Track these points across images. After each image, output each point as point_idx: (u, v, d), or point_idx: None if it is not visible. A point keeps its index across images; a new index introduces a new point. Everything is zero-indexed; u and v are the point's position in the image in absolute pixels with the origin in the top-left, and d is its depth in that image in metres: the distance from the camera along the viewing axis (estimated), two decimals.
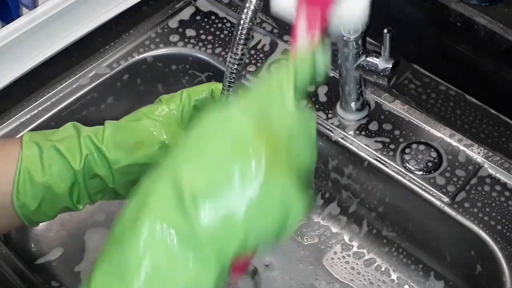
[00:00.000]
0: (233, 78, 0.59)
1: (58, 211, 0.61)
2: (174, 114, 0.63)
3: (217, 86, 0.64)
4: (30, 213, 0.59)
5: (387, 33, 0.68)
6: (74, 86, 0.86)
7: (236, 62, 0.59)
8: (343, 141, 0.79)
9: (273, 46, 0.88)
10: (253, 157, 0.43)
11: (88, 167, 0.59)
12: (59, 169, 0.58)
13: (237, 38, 0.58)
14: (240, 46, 0.58)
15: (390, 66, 0.71)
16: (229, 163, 0.43)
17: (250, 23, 0.57)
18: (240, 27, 0.58)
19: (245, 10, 0.57)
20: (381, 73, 0.72)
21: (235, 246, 0.43)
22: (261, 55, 0.87)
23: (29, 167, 0.58)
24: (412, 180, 0.75)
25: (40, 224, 0.85)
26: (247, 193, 0.43)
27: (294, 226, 0.45)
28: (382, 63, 0.72)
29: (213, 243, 0.42)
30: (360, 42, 0.72)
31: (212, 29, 0.91)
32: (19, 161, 0.58)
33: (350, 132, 0.79)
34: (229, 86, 0.60)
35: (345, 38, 0.71)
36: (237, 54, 0.58)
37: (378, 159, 0.77)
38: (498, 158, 0.75)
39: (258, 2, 0.57)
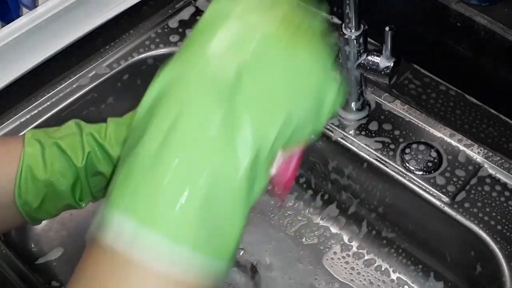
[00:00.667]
0: None
1: (61, 209, 0.61)
2: None
3: None
4: (33, 210, 0.59)
5: (388, 31, 0.68)
6: (74, 86, 0.86)
7: None
8: (343, 141, 0.79)
9: None
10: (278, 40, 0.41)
11: (91, 164, 0.59)
12: (61, 166, 0.58)
13: None
14: None
15: (391, 64, 0.71)
16: (255, 37, 0.41)
17: None
18: None
19: None
20: (382, 72, 0.72)
21: (276, 129, 0.41)
22: None
23: (31, 165, 0.58)
24: (412, 180, 0.75)
25: (40, 224, 0.86)
26: (282, 66, 0.41)
27: (332, 108, 0.43)
28: (383, 61, 0.72)
29: (253, 121, 0.40)
30: (361, 40, 0.72)
31: None
32: (21, 158, 0.58)
33: (350, 132, 0.79)
34: None
35: (346, 37, 0.71)
36: None
37: (378, 159, 0.77)
38: (498, 158, 0.75)
39: None
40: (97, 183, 0.60)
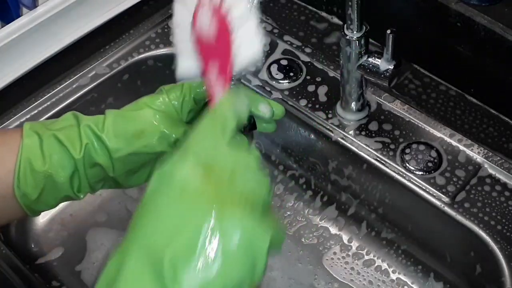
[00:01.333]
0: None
1: (59, 200, 0.61)
2: (174, 104, 0.63)
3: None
4: (31, 202, 0.59)
5: (390, 33, 0.68)
6: (74, 86, 0.86)
7: None
8: (343, 141, 0.79)
9: (273, 46, 0.88)
10: (206, 212, 0.45)
11: (89, 156, 0.59)
12: (60, 158, 0.59)
13: None
14: None
15: (392, 67, 0.71)
16: (188, 225, 0.45)
17: None
18: None
19: None
20: (383, 74, 0.72)
21: None
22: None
23: (29, 157, 0.58)
24: (412, 180, 0.75)
25: (40, 224, 0.86)
26: (212, 249, 0.44)
27: (267, 257, 0.46)
28: (384, 63, 0.71)
29: None
30: (362, 42, 0.72)
31: None
32: (20, 150, 0.58)
33: (350, 132, 0.79)
34: None
35: (348, 38, 0.71)
36: None
37: (378, 159, 0.77)
38: (498, 158, 0.75)
39: None
40: (95, 174, 0.61)
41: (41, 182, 0.58)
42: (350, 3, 0.68)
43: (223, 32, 0.55)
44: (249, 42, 0.55)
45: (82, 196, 0.62)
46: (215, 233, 0.44)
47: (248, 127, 0.63)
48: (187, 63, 0.59)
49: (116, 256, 0.46)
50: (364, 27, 0.71)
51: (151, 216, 0.46)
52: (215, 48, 0.56)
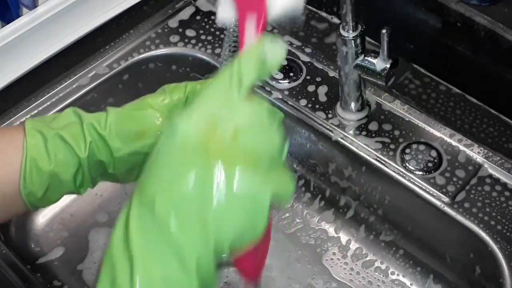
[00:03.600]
0: None
1: (62, 195, 0.62)
2: (177, 105, 0.63)
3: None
4: (36, 200, 0.59)
5: (385, 32, 0.68)
6: (74, 86, 0.86)
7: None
8: (343, 141, 0.79)
9: None
10: (204, 164, 0.46)
11: (92, 153, 0.60)
12: (65, 157, 0.59)
13: (229, 35, 0.57)
14: (232, 43, 0.58)
15: (388, 66, 0.71)
16: (184, 175, 0.46)
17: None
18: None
19: None
20: (379, 73, 0.72)
21: (210, 249, 0.45)
22: None
23: (35, 157, 0.58)
24: (412, 180, 0.75)
25: (40, 224, 0.86)
26: (207, 198, 0.45)
27: (268, 211, 0.47)
28: (380, 63, 0.72)
29: (190, 250, 0.45)
30: (358, 41, 0.72)
31: (212, 29, 0.91)
32: (24, 150, 0.58)
33: (350, 132, 0.79)
34: None
35: (343, 37, 0.71)
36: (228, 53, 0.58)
37: (378, 159, 0.77)
38: (498, 158, 0.75)
39: None
40: (97, 170, 0.61)
41: (47, 181, 0.59)
42: (344, 3, 0.68)
43: None
44: None
45: (83, 191, 0.62)
46: (211, 183, 0.45)
47: None
48: (226, 10, 0.57)
49: (124, 208, 0.48)
50: (360, 27, 0.71)
51: (152, 166, 0.48)
52: None
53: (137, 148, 0.61)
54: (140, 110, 0.62)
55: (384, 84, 0.72)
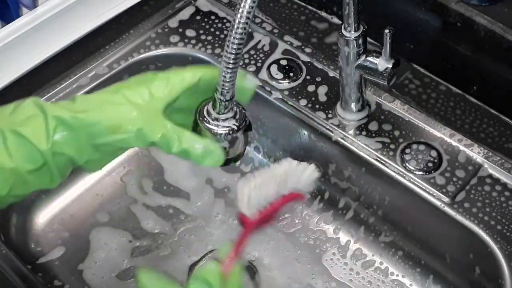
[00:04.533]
0: (228, 82, 0.59)
1: (29, 191, 0.60)
2: (156, 100, 0.60)
3: (205, 73, 0.63)
4: (1, 198, 0.58)
5: (387, 32, 0.68)
6: (74, 86, 0.86)
7: (230, 66, 0.58)
8: (343, 141, 0.79)
9: (273, 46, 0.88)
10: None
11: (58, 147, 0.58)
12: (26, 153, 0.57)
13: (232, 38, 0.57)
14: (235, 46, 0.57)
15: (390, 65, 0.71)
16: None
17: (245, 24, 0.56)
18: (234, 27, 0.57)
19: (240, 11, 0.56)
20: (381, 73, 0.72)
21: None
22: (261, 55, 0.87)
23: None
24: (412, 180, 0.74)
25: (40, 224, 0.86)
26: None
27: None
28: (382, 62, 0.71)
29: None
30: (360, 41, 0.72)
31: (212, 29, 0.91)
32: None
33: (350, 132, 0.79)
34: (222, 92, 0.59)
35: (345, 38, 0.71)
36: (231, 56, 0.57)
37: (378, 159, 0.77)
38: (498, 158, 0.75)
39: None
40: (64, 163, 0.60)
41: (10, 178, 0.57)
42: (346, 3, 0.68)
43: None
44: None
45: (55, 185, 0.60)
46: None
47: (244, 128, 0.63)
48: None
49: None
50: (362, 27, 0.71)
51: None
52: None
53: (110, 141, 0.59)
54: (116, 105, 0.60)
55: (386, 84, 0.72)
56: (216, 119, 0.62)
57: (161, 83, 0.61)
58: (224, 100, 0.60)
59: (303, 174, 0.62)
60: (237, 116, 0.63)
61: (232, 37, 0.57)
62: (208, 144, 0.60)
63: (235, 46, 0.57)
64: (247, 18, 0.56)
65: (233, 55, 0.57)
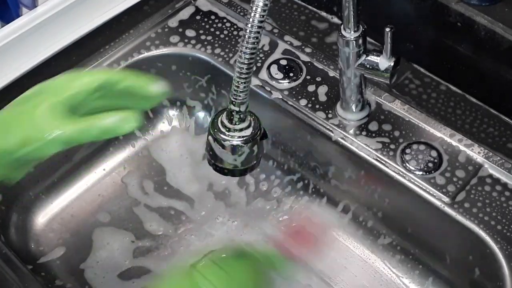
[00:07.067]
0: (242, 91, 0.59)
1: None
2: (68, 103, 0.58)
3: (111, 76, 0.59)
4: None
5: (388, 31, 0.68)
6: None
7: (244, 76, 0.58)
8: (343, 141, 0.79)
9: (273, 46, 0.88)
10: None
11: None
12: None
13: (244, 48, 0.56)
14: (247, 56, 0.57)
15: (392, 64, 0.71)
16: None
17: (257, 33, 0.56)
18: (246, 36, 0.56)
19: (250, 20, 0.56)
20: (383, 72, 0.72)
21: None
22: (261, 55, 0.87)
23: None
24: (412, 180, 0.75)
25: (40, 224, 0.86)
26: None
27: None
28: (383, 61, 0.71)
29: None
30: (360, 41, 0.72)
31: (212, 29, 0.91)
32: None
33: (350, 132, 0.79)
34: (235, 103, 0.59)
35: (345, 38, 0.71)
36: (243, 66, 0.57)
37: (378, 159, 0.77)
38: (498, 158, 0.75)
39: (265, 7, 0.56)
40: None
41: None
42: (346, 4, 0.68)
43: None
44: None
45: (17, 179, 0.59)
46: None
47: (260, 137, 0.63)
48: None
49: None
50: (361, 27, 0.71)
51: None
52: None
53: (22, 155, 0.56)
54: (28, 114, 0.57)
55: (388, 83, 0.72)
56: (231, 130, 0.62)
57: (74, 87, 0.59)
58: (238, 110, 0.60)
59: None
60: (252, 125, 0.63)
61: (244, 47, 0.56)
62: (120, 113, 0.56)
63: (247, 56, 0.56)
64: (259, 27, 0.56)
65: (245, 65, 0.57)
